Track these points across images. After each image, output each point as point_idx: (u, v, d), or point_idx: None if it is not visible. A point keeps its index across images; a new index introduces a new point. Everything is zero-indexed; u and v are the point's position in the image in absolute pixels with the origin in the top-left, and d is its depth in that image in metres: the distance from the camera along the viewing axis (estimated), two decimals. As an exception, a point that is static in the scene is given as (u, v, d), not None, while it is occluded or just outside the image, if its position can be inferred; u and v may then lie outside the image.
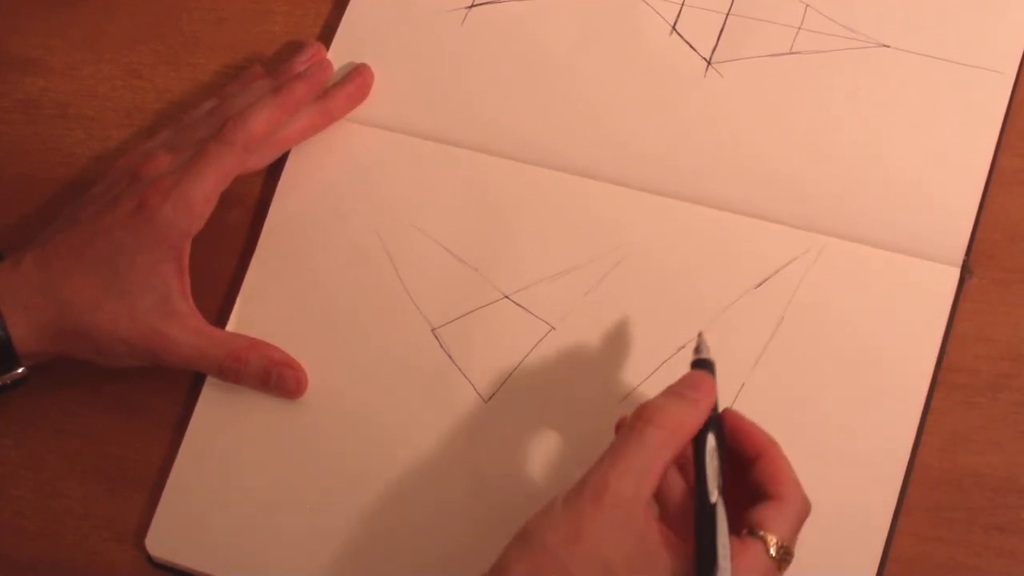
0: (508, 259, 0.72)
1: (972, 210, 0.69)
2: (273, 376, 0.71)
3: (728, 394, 0.68)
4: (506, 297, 0.72)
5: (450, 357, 0.71)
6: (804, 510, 0.60)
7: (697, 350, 0.64)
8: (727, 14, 0.75)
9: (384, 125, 0.77)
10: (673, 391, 0.62)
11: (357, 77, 0.77)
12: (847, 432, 0.67)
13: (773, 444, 0.62)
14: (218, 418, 0.72)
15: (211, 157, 0.72)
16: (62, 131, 0.81)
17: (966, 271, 0.68)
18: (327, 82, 0.76)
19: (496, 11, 0.78)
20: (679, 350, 0.69)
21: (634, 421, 0.60)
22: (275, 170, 0.77)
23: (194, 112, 0.77)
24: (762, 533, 0.59)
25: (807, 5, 0.75)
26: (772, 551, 0.58)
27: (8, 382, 0.72)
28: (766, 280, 0.70)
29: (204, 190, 0.71)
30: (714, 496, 0.59)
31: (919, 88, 0.72)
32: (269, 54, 0.81)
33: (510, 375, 0.70)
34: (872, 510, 0.65)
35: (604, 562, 0.57)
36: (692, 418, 0.61)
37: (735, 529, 0.59)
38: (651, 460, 0.59)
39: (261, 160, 0.76)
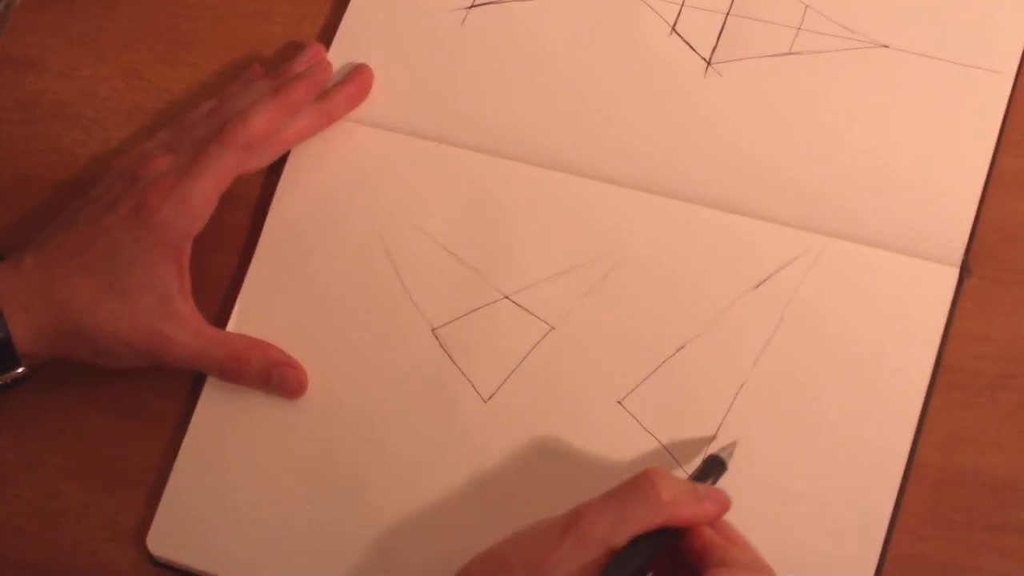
0: (508, 259, 0.72)
1: (971, 210, 0.69)
2: (274, 376, 0.71)
3: (727, 394, 0.68)
4: (506, 297, 0.72)
5: (450, 357, 0.71)
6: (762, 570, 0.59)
7: (722, 452, 0.65)
8: (727, 14, 0.75)
9: (384, 125, 0.76)
10: (693, 484, 0.61)
11: (357, 77, 0.77)
12: (846, 431, 0.66)
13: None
14: (219, 418, 0.72)
15: (211, 158, 0.72)
16: (61, 131, 0.81)
17: (965, 271, 0.68)
18: (327, 82, 0.76)
19: (496, 11, 0.78)
20: (679, 350, 0.69)
21: (639, 476, 0.60)
22: (275, 170, 0.77)
23: (193, 112, 0.77)
24: None
25: (807, 5, 0.75)
26: None
27: (8, 382, 0.71)
28: (766, 280, 0.70)
29: (204, 191, 0.71)
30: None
31: (918, 88, 0.72)
32: (269, 54, 0.81)
33: (510, 375, 0.70)
34: (871, 509, 0.65)
35: None
36: (688, 507, 0.59)
37: None
38: (632, 515, 0.58)
39: (261, 161, 0.75)
